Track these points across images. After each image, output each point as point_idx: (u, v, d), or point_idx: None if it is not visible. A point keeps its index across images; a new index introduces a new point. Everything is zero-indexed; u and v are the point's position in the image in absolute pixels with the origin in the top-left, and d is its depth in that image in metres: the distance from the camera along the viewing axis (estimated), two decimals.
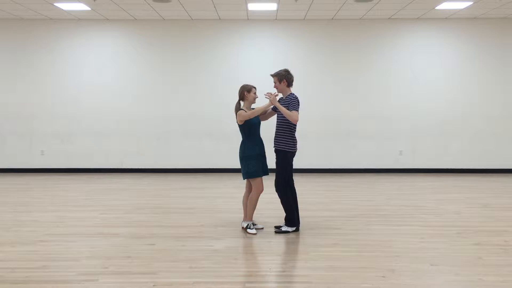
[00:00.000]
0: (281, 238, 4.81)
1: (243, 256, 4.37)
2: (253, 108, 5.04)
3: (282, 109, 4.82)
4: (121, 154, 9.80)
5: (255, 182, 4.97)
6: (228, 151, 9.37)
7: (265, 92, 4.97)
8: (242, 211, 5.43)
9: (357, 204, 6.50)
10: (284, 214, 5.08)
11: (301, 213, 5.57)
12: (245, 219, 5.11)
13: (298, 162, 9.66)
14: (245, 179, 5.05)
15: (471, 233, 4.92)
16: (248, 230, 4.99)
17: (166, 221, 5.49)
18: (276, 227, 5.13)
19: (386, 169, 9.75)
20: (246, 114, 4.82)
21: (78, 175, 9.39)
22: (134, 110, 9.72)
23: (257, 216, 5.64)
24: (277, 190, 5.01)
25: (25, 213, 5.92)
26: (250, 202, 5.02)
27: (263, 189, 5.02)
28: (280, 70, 5.01)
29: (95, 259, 4.07)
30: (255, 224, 5.12)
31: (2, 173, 9.61)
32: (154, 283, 3.50)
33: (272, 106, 5.03)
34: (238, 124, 4.95)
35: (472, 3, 8.26)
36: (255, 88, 5.02)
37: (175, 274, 3.71)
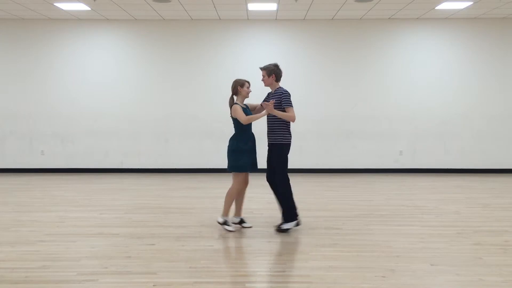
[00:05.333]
0: (281, 238, 4.81)
1: (243, 256, 4.37)
2: (245, 105, 5.07)
3: (279, 114, 4.81)
4: (121, 154, 9.80)
5: (238, 177, 4.97)
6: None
7: (259, 99, 5.01)
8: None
9: (357, 204, 6.50)
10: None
11: (301, 213, 5.57)
12: (235, 214, 5.14)
13: (298, 162, 9.64)
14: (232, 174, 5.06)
15: (471, 233, 4.92)
16: (226, 227, 5.01)
17: (166, 221, 5.49)
18: (276, 226, 5.13)
19: (386, 169, 9.75)
20: (246, 119, 4.84)
21: (78, 175, 9.39)
22: (134, 110, 9.72)
23: (256, 216, 5.64)
24: (272, 183, 4.99)
25: (25, 213, 5.92)
26: (229, 197, 5.02)
27: (244, 187, 5.06)
28: (269, 64, 5.01)
29: (95, 259, 4.06)
30: (228, 223, 5.06)
31: (2, 173, 9.61)
32: (154, 283, 3.50)
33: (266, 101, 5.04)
34: (232, 118, 4.96)
35: (472, 3, 8.27)
36: (248, 82, 5.04)
37: (175, 274, 3.71)
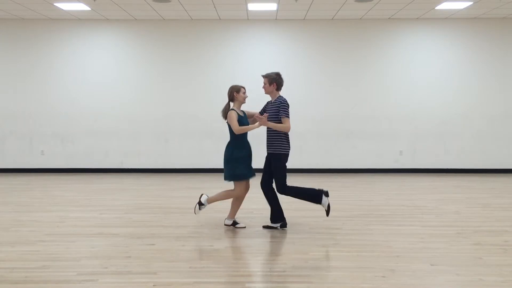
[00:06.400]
0: (281, 238, 4.81)
1: (243, 256, 4.37)
2: (243, 111, 5.07)
3: (273, 126, 4.84)
4: (121, 154, 9.80)
5: (239, 184, 5.00)
6: None
7: (258, 103, 5.05)
8: (239, 211, 5.40)
9: (357, 204, 6.50)
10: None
11: (301, 213, 5.59)
12: (229, 216, 5.16)
13: (298, 162, 9.62)
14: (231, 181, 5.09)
15: (471, 233, 4.92)
16: (236, 226, 5.09)
17: (166, 221, 5.49)
18: (264, 226, 5.15)
19: (386, 169, 9.74)
20: (238, 129, 4.85)
21: (78, 175, 9.39)
22: (134, 110, 9.72)
23: (256, 216, 5.64)
24: (266, 191, 5.04)
25: (25, 213, 5.91)
26: (224, 195, 5.08)
27: (245, 194, 5.08)
28: (271, 73, 5.01)
29: (95, 259, 4.06)
30: (237, 223, 5.15)
31: (2, 173, 9.61)
32: (154, 283, 3.50)
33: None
34: (228, 125, 4.95)
35: (472, 3, 8.27)
36: (244, 88, 5.04)
37: (175, 274, 3.71)
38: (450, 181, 8.63)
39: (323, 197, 4.90)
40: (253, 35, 9.67)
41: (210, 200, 5.15)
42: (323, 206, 4.94)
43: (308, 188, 5.02)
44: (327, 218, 5.53)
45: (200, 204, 5.12)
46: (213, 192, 7.12)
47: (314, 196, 4.93)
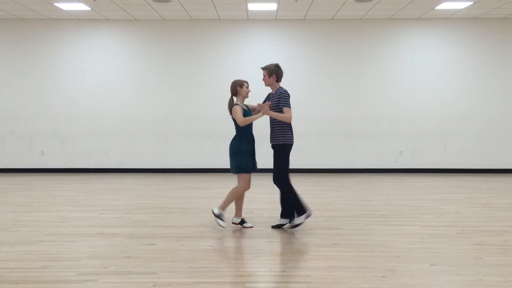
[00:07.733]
0: (281, 238, 4.81)
1: (243, 256, 4.37)
2: (246, 105, 5.09)
3: (275, 115, 4.84)
4: (121, 154, 9.80)
5: (245, 177, 4.99)
6: (228, 151, 9.36)
7: (259, 100, 5.05)
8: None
9: (357, 204, 6.50)
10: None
11: None
12: (236, 214, 5.15)
13: (298, 162, 9.63)
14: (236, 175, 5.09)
15: (471, 233, 4.92)
16: (219, 221, 5.00)
17: (166, 221, 5.49)
18: (273, 226, 5.13)
19: (386, 169, 9.75)
20: (242, 120, 4.86)
21: (78, 175, 9.39)
22: (134, 110, 9.73)
23: (256, 216, 5.64)
24: (276, 183, 4.99)
25: (25, 213, 5.91)
26: (232, 194, 5.04)
27: (250, 186, 5.07)
28: (270, 64, 5.03)
29: (95, 259, 4.06)
30: (222, 218, 5.04)
31: (2, 173, 9.61)
32: (154, 283, 3.50)
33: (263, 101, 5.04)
34: (233, 119, 4.97)
35: (472, 3, 8.27)
36: (247, 82, 5.07)
37: (175, 274, 3.71)
38: (450, 181, 8.64)
39: (304, 216, 4.91)
40: (253, 35, 9.68)
41: (223, 207, 5.07)
42: (295, 221, 4.93)
43: (298, 198, 4.97)
44: (327, 218, 5.54)
45: (218, 216, 5.00)
46: (214, 192, 7.14)
47: (300, 209, 4.92)
